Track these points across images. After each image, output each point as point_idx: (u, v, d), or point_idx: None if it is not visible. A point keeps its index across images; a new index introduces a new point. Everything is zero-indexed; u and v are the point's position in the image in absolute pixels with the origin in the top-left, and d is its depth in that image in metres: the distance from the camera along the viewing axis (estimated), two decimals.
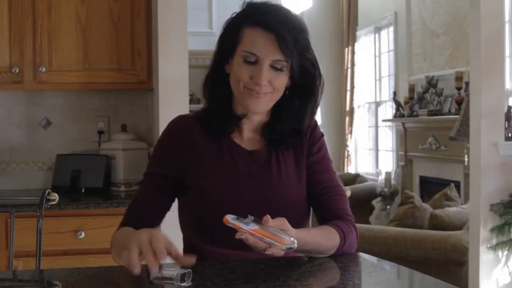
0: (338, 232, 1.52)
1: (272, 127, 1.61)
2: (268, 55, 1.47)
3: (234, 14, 1.55)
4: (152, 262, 1.24)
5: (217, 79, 1.58)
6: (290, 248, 1.29)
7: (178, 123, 1.63)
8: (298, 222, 1.49)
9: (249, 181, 1.57)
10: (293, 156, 1.63)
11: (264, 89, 1.49)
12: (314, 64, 1.54)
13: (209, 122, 1.59)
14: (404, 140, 6.99)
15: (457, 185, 5.69)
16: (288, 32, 1.47)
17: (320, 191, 1.61)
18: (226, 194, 1.53)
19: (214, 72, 1.59)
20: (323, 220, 1.59)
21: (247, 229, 1.28)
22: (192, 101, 7.13)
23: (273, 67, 1.49)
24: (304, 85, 1.56)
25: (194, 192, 1.55)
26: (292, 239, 1.29)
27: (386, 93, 7.87)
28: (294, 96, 1.58)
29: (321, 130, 1.71)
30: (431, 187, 6.40)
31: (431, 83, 6.28)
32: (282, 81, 1.51)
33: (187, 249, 1.64)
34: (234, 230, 1.50)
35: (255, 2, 1.55)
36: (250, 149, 1.61)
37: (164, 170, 1.59)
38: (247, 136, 1.62)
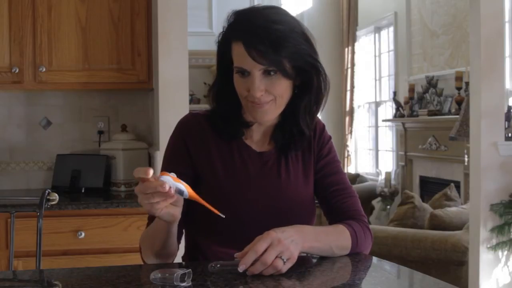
0: (349, 231, 1.53)
1: (281, 130, 1.60)
2: (254, 66, 1.45)
3: (224, 29, 1.53)
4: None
5: (224, 89, 1.57)
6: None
7: (190, 120, 1.62)
8: (303, 223, 1.49)
9: (258, 182, 1.57)
10: (301, 158, 1.63)
11: (263, 99, 1.48)
12: (311, 62, 1.51)
13: (219, 125, 1.59)
14: (404, 140, 6.99)
15: (457, 185, 5.69)
16: (266, 42, 1.43)
17: (331, 194, 1.62)
18: (235, 194, 1.53)
19: (220, 82, 1.58)
20: (335, 222, 1.59)
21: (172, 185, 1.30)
22: (192, 101, 7.14)
23: (266, 72, 1.47)
24: (306, 83, 1.55)
25: (203, 191, 1.55)
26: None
27: (386, 93, 7.87)
28: (300, 97, 1.57)
29: None
30: (431, 187, 6.40)
31: (431, 83, 6.28)
32: (280, 86, 1.48)
33: (190, 247, 1.64)
34: (241, 230, 1.51)
35: (239, 11, 1.52)
36: (259, 150, 1.61)
37: (181, 167, 1.56)
38: (257, 138, 1.62)
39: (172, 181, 1.30)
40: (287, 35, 1.46)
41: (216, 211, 1.37)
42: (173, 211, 1.35)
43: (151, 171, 1.28)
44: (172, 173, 1.32)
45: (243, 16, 1.50)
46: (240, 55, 1.47)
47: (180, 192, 1.32)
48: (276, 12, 1.51)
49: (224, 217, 1.37)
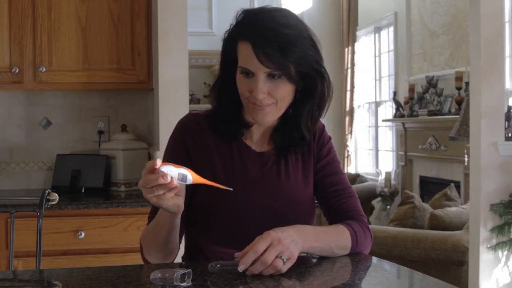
0: (349, 231, 1.53)
1: (281, 132, 1.60)
2: (260, 68, 1.45)
3: (231, 27, 1.53)
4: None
5: (226, 87, 1.57)
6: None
7: (190, 120, 1.63)
8: (303, 223, 1.49)
9: (257, 182, 1.57)
10: (301, 158, 1.63)
11: (265, 101, 1.48)
12: (316, 68, 1.51)
13: (219, 125, 1.59)
14: (404, 140, 6.99)
15: (457, 185, 5.69)
16: (274, 45, 1.43)
17: (331, 194, 1.62)
18: (234, 194, 1.52)
19: (223, 81, 1.58)
20: (335, 222, 1.59)
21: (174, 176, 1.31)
22: (192, 101, 7.14)
23: (270, 75, 1.47)
24: (309, 88, 1.55)
25: (203, 191, 1.55)
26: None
27: (386, 93, 7.87)
28: (303, 101, 1.57)
29: None
30: (431, 187, 6.41)
31: (431, 83, 6.28)
32: (282, 90, 1.48)
33: (190, 247, 1.65)
34: (240, 230, 1.51)
35: (248, 10, 1.52)
36: (259, 151, 1.61)
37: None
38: (256, 138, 1.62)
39: (174, 169, 1.31)
40: (295, 40, 1.46)
41: (222, 186, 1.39)
42: (178, 202, 1.37)
43: (158, 161, 1.30)
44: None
45: (252, 17, 1.49)
46: (246, 55, 1.46)
47: (183, 178, 1.33)
48: (285, 15, 1.50)
49: (232, 190, 1.40)
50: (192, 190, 1.54)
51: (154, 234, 1.52)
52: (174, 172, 1.31)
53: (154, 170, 1.30)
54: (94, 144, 3.39)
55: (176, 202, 1.37)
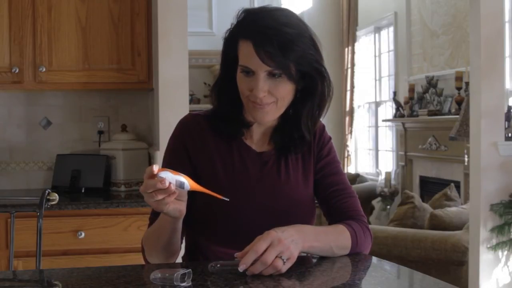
0: (349, 231, 1.53)
1: (281, 132, 1.60)
2: (261, 67, 1.45)
3: (232, 26, 1.53)
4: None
5: (226, 87, 1.57)
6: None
7: (190, 120, 1.63)
8: (303, 223, 1.49)
9: (257, 182, 1.57)
10: (301, 158, 1.63)
11: (265, 100, 1.48)
12: (317, 67, 1.51)
13: (219, 125, 1.59)
14: (404, 140, 6.99)
15: (457, 185, 5.69)
16: (275, 44, 1.43)
17: (331, 194, 1.62)
18: (234, 194, 1.52)
19: (223, 81, 1.58)
20: (335, 222, 1.60)
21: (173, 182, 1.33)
22: (192, 101, 7.14)
23: (271, 74, 1.47)
24: (309, 88, 1.55)
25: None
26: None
27: (386, 93, 7.87)
28: (303, 101, 1.57)
29: None
30: (431, 187, 6.41)
31: (431, 83, 6.28)
32: (283, 89, 1.48)
33: (190, 247, 1.65)
34: (240, 230, 1.51)
35: (249, 10, 1.53)
36: (259, 151, 1.61)
37: (180, 168, 1.51)
38: (257, 138, 1.62)
39: (171, 175, 1.32)
40: (296, 39, 1.46)
41: (219, 196, 1.39)
42: (180, 207, 1.38)
43: (155, 167, 1.31)
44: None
45: (253, 16, 1.50)
46: (247, 54, 1.47)
47: (181, 185, 1.34)
48: (286, 15, 1.51)
49: (228, 200, 1.40)
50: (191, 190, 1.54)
51: (155, 237, 1.52)
52: (171, 179, 1.32)
53: (153, 176, 1.31)
54: (94, 144, 3.39)
55: (177, 206, 1.37)
